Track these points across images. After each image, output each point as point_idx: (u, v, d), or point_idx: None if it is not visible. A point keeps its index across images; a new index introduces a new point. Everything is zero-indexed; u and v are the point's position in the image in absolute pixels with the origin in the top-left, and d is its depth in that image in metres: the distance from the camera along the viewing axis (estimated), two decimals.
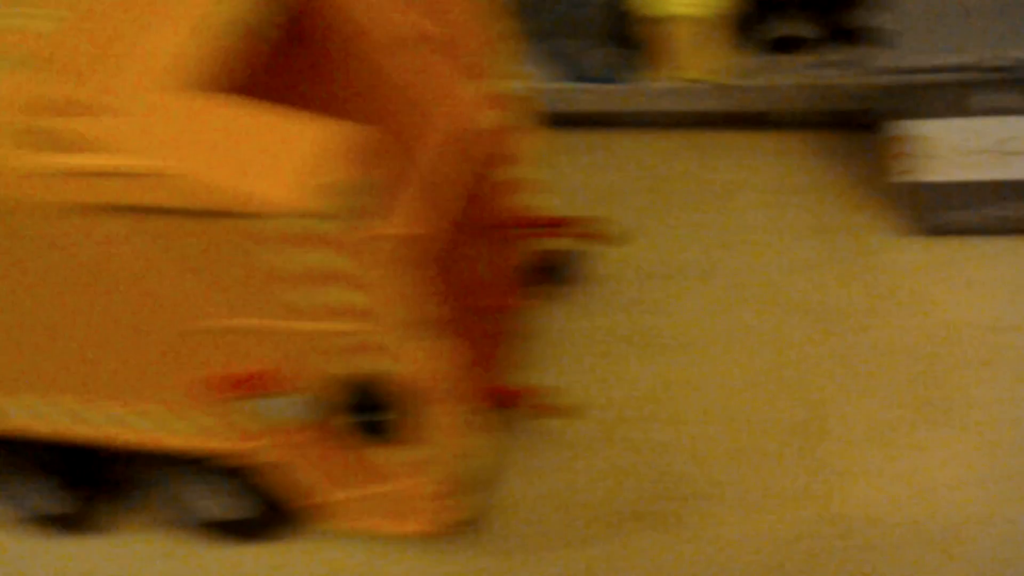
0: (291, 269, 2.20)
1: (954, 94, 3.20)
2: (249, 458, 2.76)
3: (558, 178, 4.20)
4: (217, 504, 3.06)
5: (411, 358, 2.42)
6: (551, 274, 3.63)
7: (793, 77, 4.01)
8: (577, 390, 3.40)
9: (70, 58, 2.37)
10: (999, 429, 3.06)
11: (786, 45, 4.10)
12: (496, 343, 3.22)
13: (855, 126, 4.03)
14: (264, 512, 3.03)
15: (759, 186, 4.00)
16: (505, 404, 3.07)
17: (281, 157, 2.10)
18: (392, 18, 2.86)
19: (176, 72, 2.31)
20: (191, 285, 2.31)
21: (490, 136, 3.12)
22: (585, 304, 3.69)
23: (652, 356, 3.50)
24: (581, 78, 4.23)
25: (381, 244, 2.28)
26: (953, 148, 3.33)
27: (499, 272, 3.31)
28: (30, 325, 2.60)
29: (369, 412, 2.40)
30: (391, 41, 2.87)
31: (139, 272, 2.32)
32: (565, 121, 4.38)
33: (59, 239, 2.30)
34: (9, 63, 2.43)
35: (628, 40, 4.12)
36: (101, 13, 2.50)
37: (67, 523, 3.30)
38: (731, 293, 3.64)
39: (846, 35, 4.01)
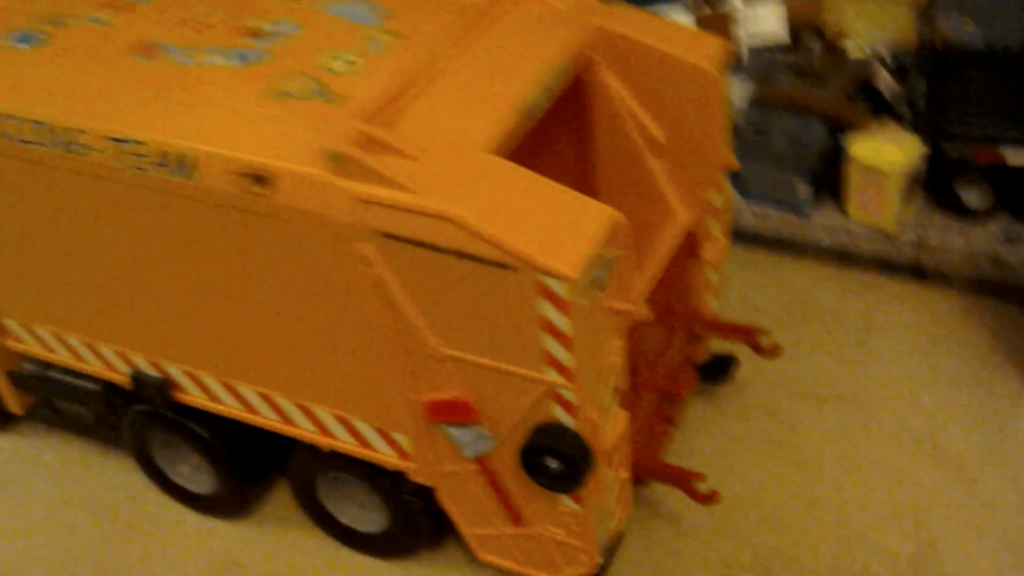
0: (536, 321, 2.51)
1: None
2: (416, 477, 3.05)
3: (722, 289, 4.48)
4: (367, 516, 3.37)
5: (597, 421, 2.71)
6: (712, 372, 3.90)
7: (959, 240, 4.26)
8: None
9: (375, 103, 2.76)
10: None
11: (963, 210, 4.36)
12: (659, 422, 3.49)
13: (1015, 299, 4.24)
14: (416, 530, 3.32)
15: (902, 332, 4.23)
16: (657, 478, 3.33)
17: (555, 225, 2.45)
18: (647, 124, 3.24)
19: (475, 135, 2.69)
20: (435, 315, 2.65)
21: (702, 240, 3.45)
22: (727, 406, 3.96)
23: (776, 465, 3.73)
24: (769, 202, 4.52)
25: (601, 315, 2.59)
26: None
27: (677, 360, 3.59)
28: (268, 320, 2.96)
29: (555, 459, 2.68)
30: (644, 143, 3.25)
31: (394, 296, 2.66)
32: (740, 237, 4.67)
33: (329, 252, 2.67)
34: (319, 93, 2.83)
35: (821, 178, 4.43)
36: (406, 69, 2.90)
37: (213, 504, 3.65)
38: (864, 423, 3.87)
39: (1022, 211, 4.27)
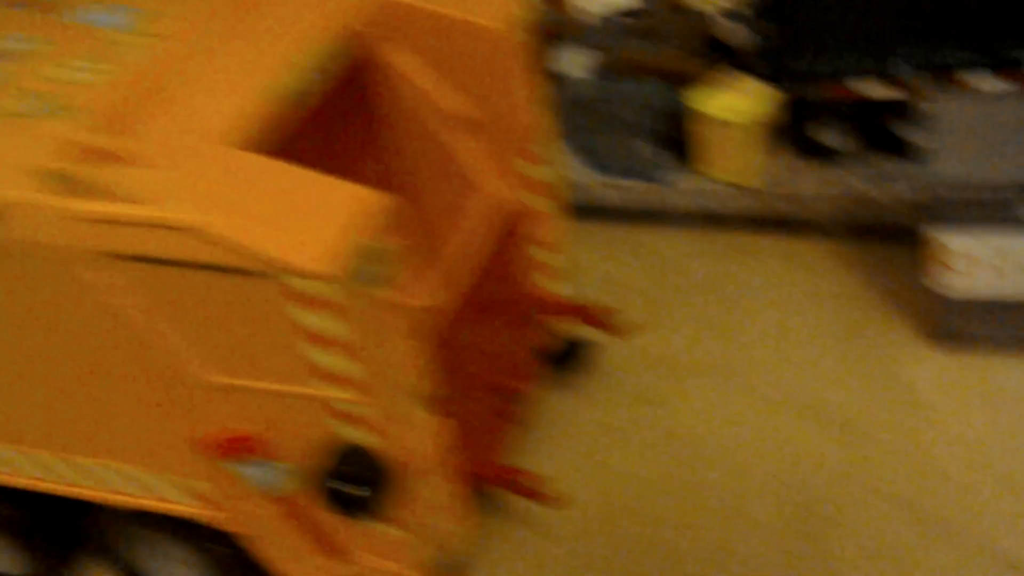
0: (295, 330, 2.22)
1: (988, 210, 3.19)
2: (221, 524, 2.73)
3: (584, 267, 4.22)
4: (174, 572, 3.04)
5: (400, 433, 2.41)
6: (563, 359, 3.62)
7: (825, 186, 4.02)
8: (568, 479, 3.37)
9: (112, 111, 2.45)
10: (1013, 553, 2.96)
11: (823, 154, 4.12)
12: (497, 422, 3.20)
13: (885, 237, 4.01)
14: None
15: (781, 289, 3.98)
16: (494, 484, 3.04)
17: (304, 219, 2.14)
18: (444, 98, 2.95)
19: (220, 131, 2.39)
20: (193, 339, 2.34)
21: (522, 218, 3.16)
22: (592, 393, 3.67)
23: (650, 451, 3.45)
24: (621, 173, 4.28)
25: (386, 314, 2.29)
26: (983, 264, 3.30)
27: (513, 352, 3.30)
28: (20, 370, 2.61)
29: (351, 484, 2.36)
30: (442, 118, 2.96)
31: (144, 324, 2.34)
32: (600, 214, 4.42)
33: (68, 285, 2.34)
34: (50, 109, 2.52)
35: (670, 140, 4.18)
36: (154, 71, 2.60)
37: None
38: (741, 394, 3.60)
39: (883, 147, 4.03)
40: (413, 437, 2.45)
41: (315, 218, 2.16)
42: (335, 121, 3.00)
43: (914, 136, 3.61)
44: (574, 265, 3.98)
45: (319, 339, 2.21)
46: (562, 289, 3.43)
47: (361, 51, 2.91)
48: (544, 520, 3.25)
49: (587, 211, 4.35)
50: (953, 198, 3.18)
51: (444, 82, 2.96)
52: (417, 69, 2.95)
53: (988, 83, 3.73)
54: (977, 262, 3.30)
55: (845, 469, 3.28)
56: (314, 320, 2.18)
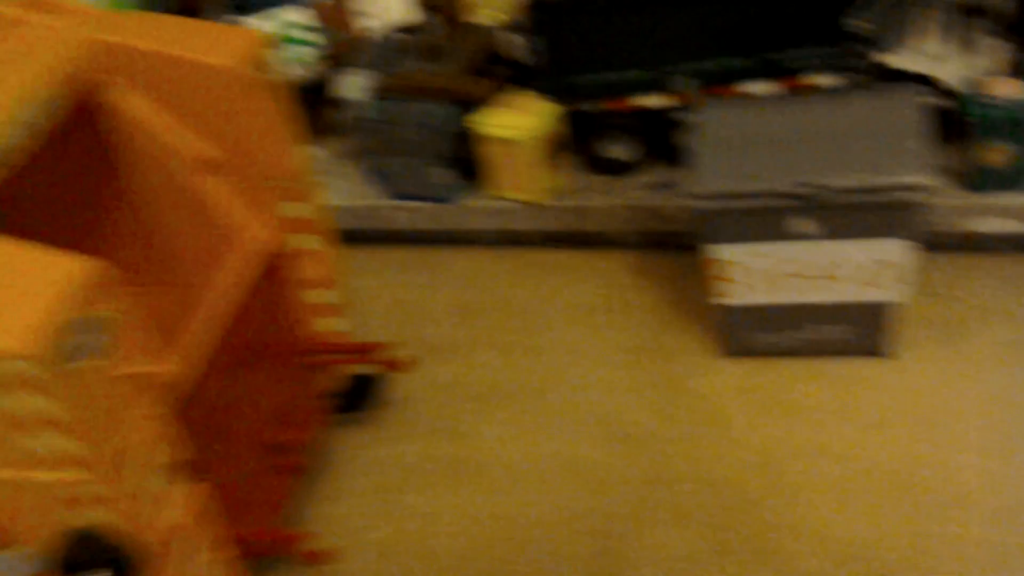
0: (2, 415, 2.04)
1: (759, 219, 3.20)
2: None
3: (376, 294, 4.11)
4: None
5: (144, 509, 2.25)
6: (352, 397, 3.49)
7: (615, 199, 4.01)
8: (362, 520, 3.26)
9: None
10: (809, 561, 2.99)
11: (612, 167, 4.11)
12: (273, 480, 3.05)
13: (679, 248, 4.02)
14: None
15: (577, 306, 3.95)
16: (264, 551, 2.89)
17: (3, 296, 1.96)
18: (184, 143, 2.78)
19: None
20: None
21: (285, 259, 3.02)
22: (385, 429, 3.55)
23: (446, 484, 3.36)
24: (412, 196, 4.18)
25: (108, 386, 2.13)
26: (758, 272, 3.32)
27: (291, 401, 3.16)
28: None
29: (88, 571, 2.20)
30: (186, 164, 2.79)
31: None
32: (394, 239, 4.31)
33: None
34: None
35: (458, 160, 4.10)
36: None
37: None
38: (538, 417, 3.55)
39: (668, 158, 4.05)
40: (161, 510, 2.29)
41: (15, 294, 1.98)
42: (71, 175, 2.81)
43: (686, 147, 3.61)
44: (367, 294, 3.88)
45: (30, 422, 2.03)
46: (339, 327, 3.31)
47: (88, 98, 2.72)
48: (334, 565, 3.14)
49: (380, 236, 4.24)
50: (719, 209, 3.18)
51: (183, 126, 2.80)
52: (153, 114, 2.78)
53: (763, 91, 3.78)
54: (750, 272, 3.32)
55: (645, 488, 3.25)
56: (23, 402, 2.00)
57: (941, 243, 3.81)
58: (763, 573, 2.96)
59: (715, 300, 3.46)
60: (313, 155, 4.25)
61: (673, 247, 4.05)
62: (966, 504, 3.02)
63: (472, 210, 4.13)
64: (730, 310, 3.46)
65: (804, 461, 3.24)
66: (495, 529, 3.20)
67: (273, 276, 2.96)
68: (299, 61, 4.34)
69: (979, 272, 3.74)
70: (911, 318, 3.59)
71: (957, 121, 3.58)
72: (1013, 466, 3.09)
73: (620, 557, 3.06)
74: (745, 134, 3.25)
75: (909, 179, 3.00)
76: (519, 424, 3.54)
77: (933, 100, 3.31)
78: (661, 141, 4.01)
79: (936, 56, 3.63)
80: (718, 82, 3.81)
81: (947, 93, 3.65)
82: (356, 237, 4.23)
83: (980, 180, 3.59)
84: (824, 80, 3.71)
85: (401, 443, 3.51)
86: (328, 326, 3.26)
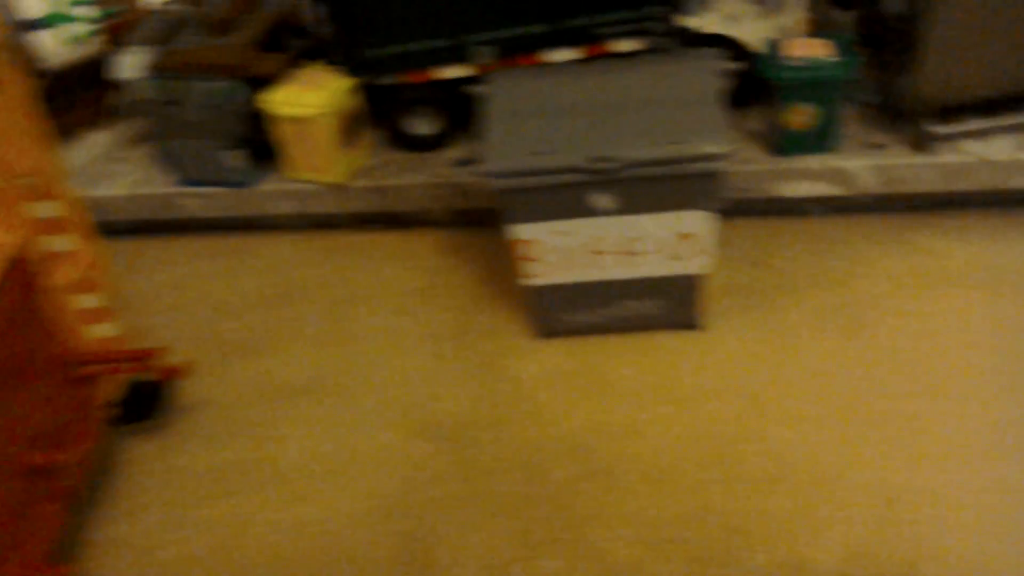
0: None
1: (555, 196, 3.03)
2: None
3: (169, 293, 3.81)
4: None
5: None
6: (134, 409, 3.21)
7: (418, 176, 3.80)
8: (148, 535, 3.01)
9: None
10: (624, 550, 2.86)
11: (417, 143, 3.90)
12: (35, 508, 2.75)
13: (490, 225, 3.85)
14: None
15: (388, 291, 3.74)
16: None
17: None
18: None
19: None
20: None
21: (35, 266, 2.71)
22: (177, 439, 3.28)
23: (244, 495, 3.12)
24: (204, 182, 3.89)
25: None
26: (560, 250, 3.17)
27: (58, 421, 2.86)
28: None
29: None
30: None
31: None
32: (188, 228, 4.02)
33: None
34: None
35: (251, 141, 3.82)
36: None
37: None
38: (348, 413, 3.33)
39: (472, 132, 3.86)
40: None
41: None
42: None
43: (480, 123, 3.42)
44: (159, 290, 3.59)
45: None
46: (109, 332, 3.02)
47: None
48: None
49: (173, 226, 3.95)
50: (513, 187, 3.01)
51: None
52: None
53: (564, 59, 3.62)
54: (552, 251, 3.17)
55: (456, 483, 3.08)
56: None
57: (751, 209, 3.75)
58: (576, 569, 2.82)
59: (522, 281, 3.30)
60: (94, 142, 3.92)
61: (484, 224, 3.88)
62: (783, 478, 2.95)
63: (269, 194, 3.86)
64: (537, 291, 3.31)
65: (619, 443, 3.12)
66: (299, 538, 2.98)
67: (23, 283, 2.64)
68: (72, 39, 3.98)
69: (789, 237, 3.68)
70: (723, 288, 3.51)
71: (760, 84, 3.49)
72: (828, 436, 3.03)
73: (428, 559, 2.89)
74: (538, 105, 3.07)
75: (706, 148, 2.89)
76: (328, 421, 3.32)
77: (733, 64, 3.19)
78: (466, 114, 3.82)
79: (736, 17, 3.53)
80: (520, 50, 3.64)
81: (749, 55, 3.56)
82: (146, 228, 3.93)
83: (784, 144, 3.52)
84: (626, 46, 3.58)
85: (195, 451, 3.25)
86: (96, 333, 2.96)
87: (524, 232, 3.14)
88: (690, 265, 3.18)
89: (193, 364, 3.27)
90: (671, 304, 3.32)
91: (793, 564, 2.74)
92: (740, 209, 3.74)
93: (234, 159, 3.79)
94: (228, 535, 3.01)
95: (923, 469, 2.91)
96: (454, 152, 3.87)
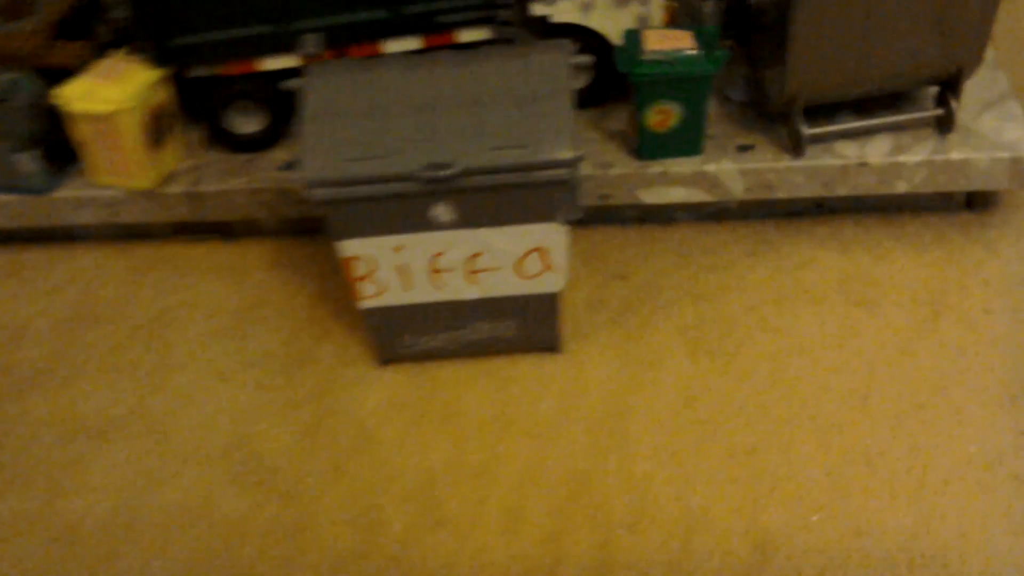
0: None
1: (385, 208, 2.64)
2: None
3: None
4: None
5: None
6: None
7: (238, 181, 3.35)
8: None
9: None
10: None
11: (240, 143, 3.45)
12: None
13: (324, 235, 3.44)
14: None
15: (205, 311, 3.29)
16: None
17: None
18: None
19: None
20: None
21: None
22: None
23: (40, 548, 2.66)
24: (4, 187, 3.38)
25: None
26: (394, 269, 2.78)
27: None
28: None
29: None
30: None
31: None
32: None
33: None
34: None
35: (49, 143, 3.32)
36: None
37: None
38: (160, 458, 2.89)
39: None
40: None
41: None
42: None
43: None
44: None
45: None
46: None
47: None
48: None
49: None
50: (334, 198, 2.61)
51: None
52: None
53: (404, 49, 3.23)
54: (385, 269, 2.78)
55: (280, 541, 2.67)
56: None
57: (613, 217, 3.43)
58: None
59: (356, 302, 2.90)
60: None
61: (320, 234, 3.47)
62: (648, 518, 2.62)
63: (69, 202, 3.37)
64: (373, 313, 2.91)
65: (469, 485, 2.76)
66: None
67: None
68: None
69: (656, 247, 3.36)
70: (585, 305, 3.19)
71: (620, 80, 3.15)
72: (695, 471, 2.73)
73: None
74: (364, 103, 2.66)
75: (555, 154, 2.54)
76: (135, 468, 2.87)
77: (588, 57, 2.85)
78: (293, 111, 3.40)
79: (592, 5, 3.18)
80: (355, 39, 3.22)
81: (607, 47, 3.23)
82: None
83: (646, 146, 3.19)
84: (470, 35, 3.20)
85: None
86: None
87: (353, 248, 2.74)
88: (544, 283, 2.83)
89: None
90: (526, 325, 2.96)
91: None
92: (602, 217, 3.41)
93: (28, 162, 3.29)
94: None
95: (794, 505, 2.62)
96: (281, 154, 3.44)
